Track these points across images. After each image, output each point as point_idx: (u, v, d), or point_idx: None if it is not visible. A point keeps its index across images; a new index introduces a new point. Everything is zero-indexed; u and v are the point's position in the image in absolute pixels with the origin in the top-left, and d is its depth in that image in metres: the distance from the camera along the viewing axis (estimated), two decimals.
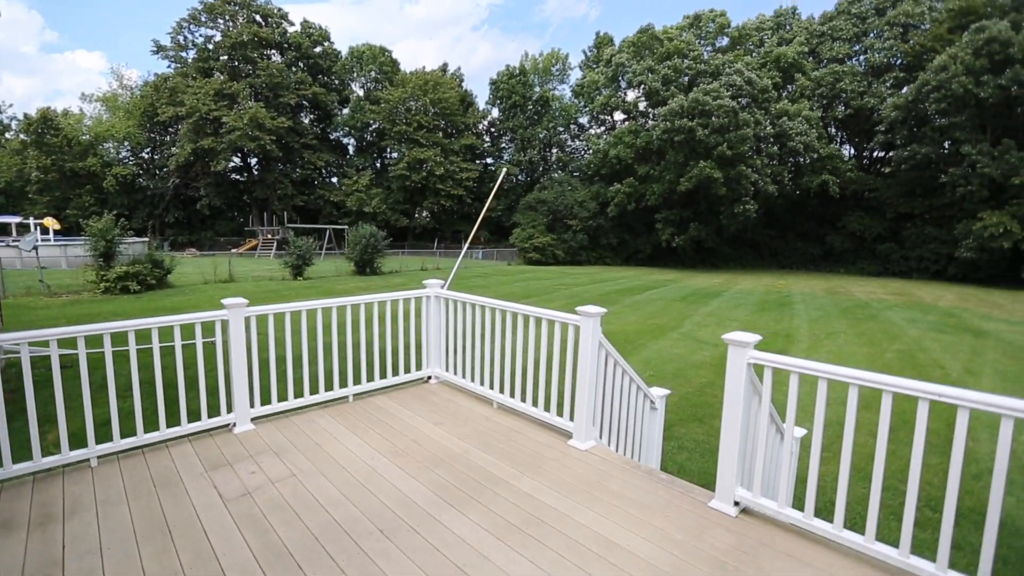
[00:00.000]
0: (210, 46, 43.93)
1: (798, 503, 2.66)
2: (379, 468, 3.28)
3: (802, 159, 36.15)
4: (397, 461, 3.38)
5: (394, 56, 52.57)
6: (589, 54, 49.01)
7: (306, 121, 48.43)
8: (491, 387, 4.21)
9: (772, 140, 34.38)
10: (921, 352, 11.04)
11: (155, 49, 44.23)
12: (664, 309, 15.63)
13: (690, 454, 5.69)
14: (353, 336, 4.40)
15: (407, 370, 4.76)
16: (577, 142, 50.89)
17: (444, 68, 52.44)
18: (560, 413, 3.71)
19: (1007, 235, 26.50)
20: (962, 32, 30.13)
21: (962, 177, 28.70)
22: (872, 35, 38.99)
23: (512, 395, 4.02)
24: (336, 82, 50.13)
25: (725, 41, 45.27)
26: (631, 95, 41.82)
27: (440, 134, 47.89)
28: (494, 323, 4.07)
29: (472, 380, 4.42)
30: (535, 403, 3.89)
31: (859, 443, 4.86)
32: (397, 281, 20.58)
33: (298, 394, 4.17)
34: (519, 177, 49.06)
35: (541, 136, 48.67)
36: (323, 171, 49.21)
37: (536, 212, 39.72)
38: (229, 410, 3.82)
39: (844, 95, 37.38)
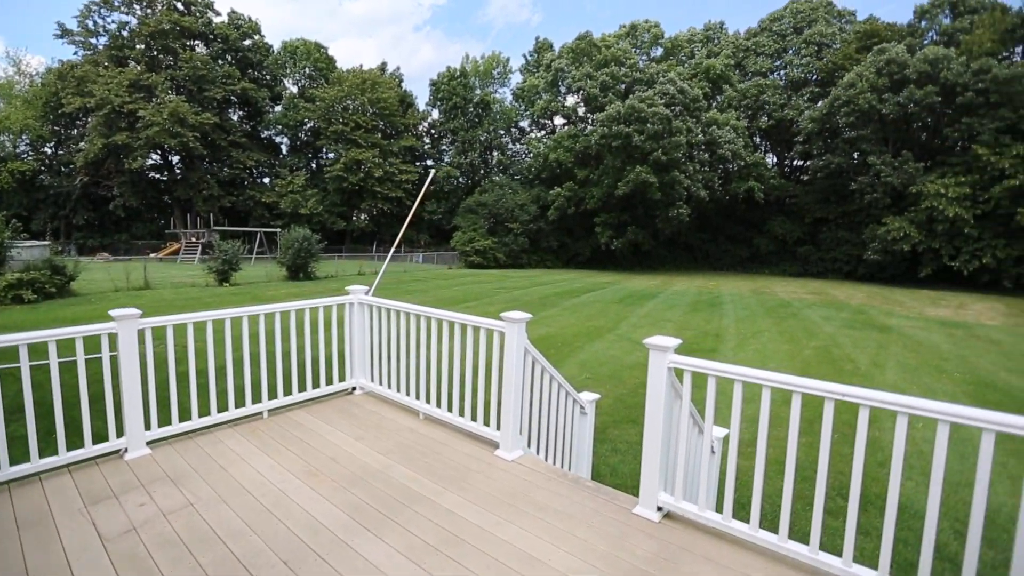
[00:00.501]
0: (124, 33, 40.66)
1: (722, 503, 2.69)
2: (290, 491, 3.03)
3: (730, 166, 38.23)
4: (311, 482, 3.14)
5: (330, 53, 50.89)
6: (530, 59, 49.59)
7: (234, 118, 45.89)
8: (417, 397, 4.03)
9: (703, 147, 36.14)
10: (836, 347, 11.86)
11: (59, 33, 40.41)
12: (602, 311, 15.94)
13: (623, 456, 5.75)
14: (268, 347, 4.09)
15: (329, 381, 4.48)
16: (518, 145, 51.29)
17: (383, 67, 51.37)
18: (487, 423, 3.60)
19: (906, 239, 29.21)
20: (867, 53, 32.98)
21: (869, 185, 31.36)
22: (791, 52, 41.96)
23: (439, 405, 3.86)
24: (268, 78, 47.84)
25: (659, 51, 47.20)
26: (570, 100, 42.68)
27: (379, 135, 46.85)
28: (419, 330, 3.90)
29: (398, 390, 4.22)
30: (462, 413, 3.75)
31: (780, 437, 5.06)
32: (332, 286, 19.81)
33: (204, 412, 3.81)
34: (459, 180, 48.76)
35: (482, 139, 48.66)
36: (253, 171, 46.77)
37: (477, 215, 39.62)
38: (120, 434, 3.42)
39: (767, 107, 39.95)
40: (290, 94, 47.94)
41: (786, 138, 40.49)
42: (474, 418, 3.67)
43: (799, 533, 2.53)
